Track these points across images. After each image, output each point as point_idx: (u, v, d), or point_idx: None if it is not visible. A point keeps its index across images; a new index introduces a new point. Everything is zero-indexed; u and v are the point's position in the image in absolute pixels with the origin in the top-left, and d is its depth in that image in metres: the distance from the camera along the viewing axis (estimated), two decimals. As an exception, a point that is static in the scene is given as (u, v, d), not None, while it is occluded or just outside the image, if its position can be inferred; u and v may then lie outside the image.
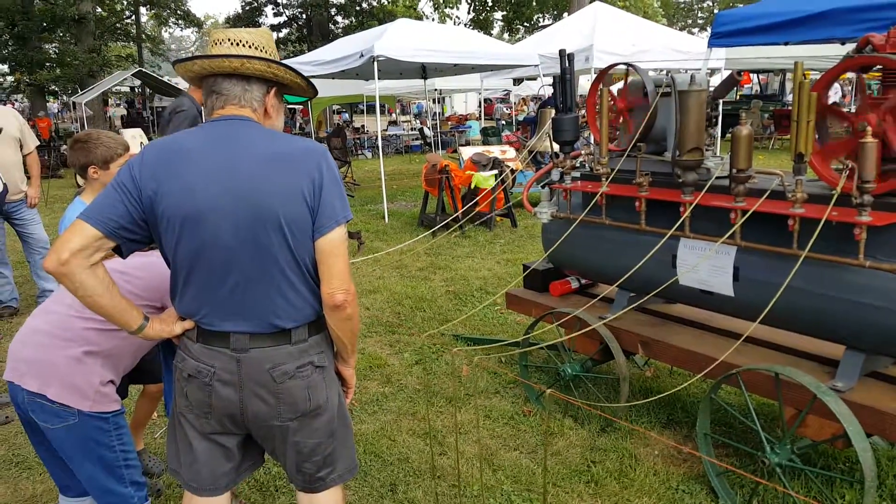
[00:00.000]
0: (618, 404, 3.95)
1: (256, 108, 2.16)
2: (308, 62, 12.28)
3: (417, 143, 24.74)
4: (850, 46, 3.17)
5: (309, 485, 2.32)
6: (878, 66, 2.94)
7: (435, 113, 28.71)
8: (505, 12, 30.20)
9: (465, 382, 4.78)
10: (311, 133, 20.82)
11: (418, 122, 29.56)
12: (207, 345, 2.12)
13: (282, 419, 2.16)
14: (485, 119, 28.49)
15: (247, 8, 35.96)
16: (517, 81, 21.76)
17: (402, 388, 4.74)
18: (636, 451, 3.76)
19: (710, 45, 7.62)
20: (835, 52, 9.71)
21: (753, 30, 7.05)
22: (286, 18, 36.37)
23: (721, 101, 16.09)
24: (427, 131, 24.62)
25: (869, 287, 2.84)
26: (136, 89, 35.07)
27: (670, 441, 3.87)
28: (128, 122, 27.93)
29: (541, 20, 31.13)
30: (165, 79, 27.59)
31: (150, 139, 17.56)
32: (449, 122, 28.31)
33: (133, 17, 36.02)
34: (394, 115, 34.12)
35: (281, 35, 36.41)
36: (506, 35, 33.90)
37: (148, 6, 35.79)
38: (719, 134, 14.75)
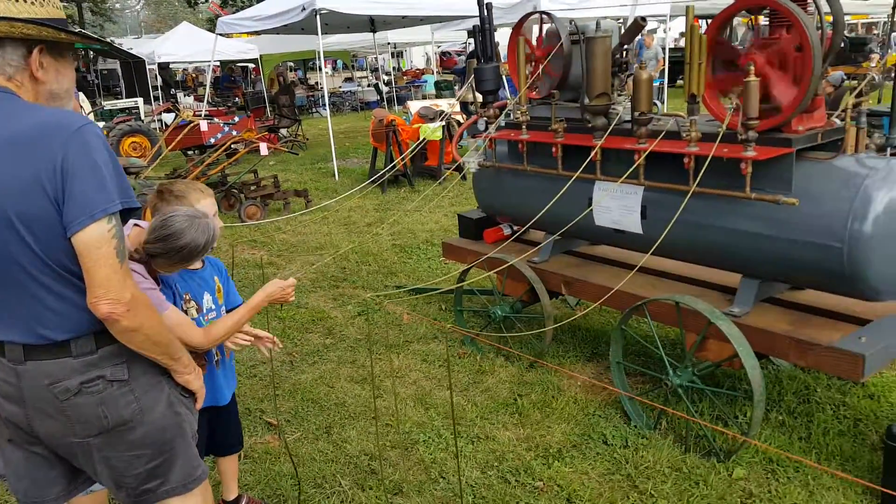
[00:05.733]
0: (542, 341, 4.16)
1: (13, 74, 1.82)
2: (249, 17, 12.13)
3: (374, 99, 24.54)
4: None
5: (135, 499, 2.04)
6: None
7: (392, 67, 28.43)
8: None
9: (406, 330, 4.95)
10: (263, 91, 20.53)
11: (374, 77, 29.26)
12: None
13: (79, 437, 1.91)
14: (443, 73, 28.31)
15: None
16: (471, 33, 21.61)
17: (344, 339, 4.90)
18: (560, 383, 3.99)
19: (639, -9, 7.70)
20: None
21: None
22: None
23: (667, 48, 16.26)
24: (382, 87, 24.42)
25: (755, 217, 3.06)
26: (79, 52, 34.08)
27: (591, 373, 4.11)
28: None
29: (494, -30, 30.71)
30: (109, 39, 26.88)
31: (94, 104, 17.21)
32: (405, 77, 28.07)
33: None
34: (332, 69, 33.36)
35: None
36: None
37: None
38: (666, 82, 14.91)
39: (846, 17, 3.02)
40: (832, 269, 2.86)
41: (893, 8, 10.25)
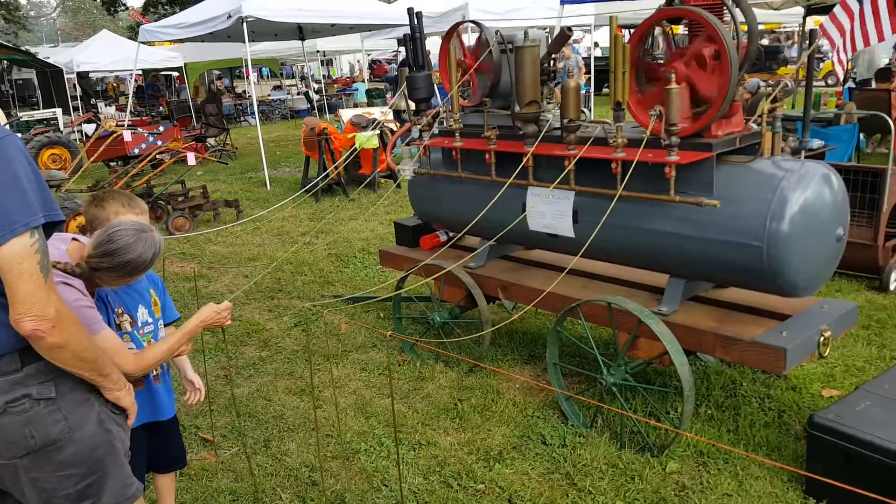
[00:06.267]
0: (481, 345, 4.21)
1: None
2: (173, 25, 11.87)
3: (305, 107, 24.28)
4: None
5: None
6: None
7: (322, 75, 28.19)
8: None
9: (344, 340, 4.92)
10: (188, 99, 20.09)
11: (304, 85, 28.97)
12: None
13: (4, 458, 1.86)
14: (373, 81, 28.28)
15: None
16: (401, 42, 21.65)
17: (280, 351, 4.84)
18: (499, 386, 4.05)
19: (563, 2, 7.91)
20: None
21: (601, -13, 7.37)
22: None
23: (593, 57, 16.71)
24: (312, 95, 24.19)
25: (680, 218, 3.18)
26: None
27: (529, 375, 4.17)
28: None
29: (421, -22, 30.87)
30: (24, 48, 25.83)
31: (10, 115, 16.51)
32: (335, 85, 27.88)
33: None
34: (258, 77, 32.88)
35: (151, -2, 34.56)
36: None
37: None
38: (592, 90, 15.28)
39: (761, 26, 3.17)
40: (753, 267, 2.99)
41: (804, 17, 10.82)
